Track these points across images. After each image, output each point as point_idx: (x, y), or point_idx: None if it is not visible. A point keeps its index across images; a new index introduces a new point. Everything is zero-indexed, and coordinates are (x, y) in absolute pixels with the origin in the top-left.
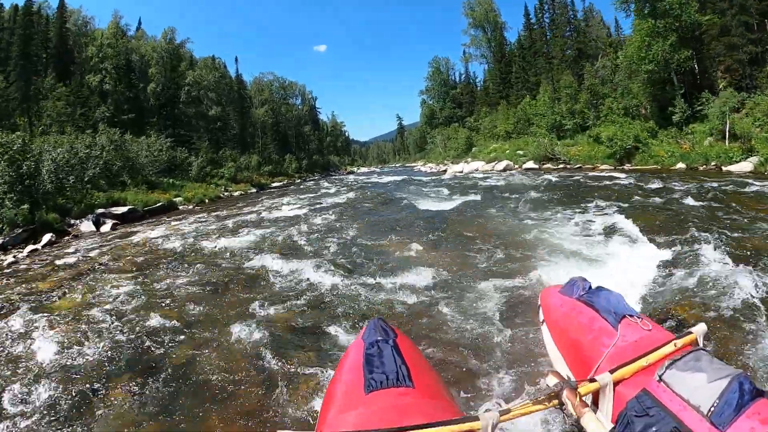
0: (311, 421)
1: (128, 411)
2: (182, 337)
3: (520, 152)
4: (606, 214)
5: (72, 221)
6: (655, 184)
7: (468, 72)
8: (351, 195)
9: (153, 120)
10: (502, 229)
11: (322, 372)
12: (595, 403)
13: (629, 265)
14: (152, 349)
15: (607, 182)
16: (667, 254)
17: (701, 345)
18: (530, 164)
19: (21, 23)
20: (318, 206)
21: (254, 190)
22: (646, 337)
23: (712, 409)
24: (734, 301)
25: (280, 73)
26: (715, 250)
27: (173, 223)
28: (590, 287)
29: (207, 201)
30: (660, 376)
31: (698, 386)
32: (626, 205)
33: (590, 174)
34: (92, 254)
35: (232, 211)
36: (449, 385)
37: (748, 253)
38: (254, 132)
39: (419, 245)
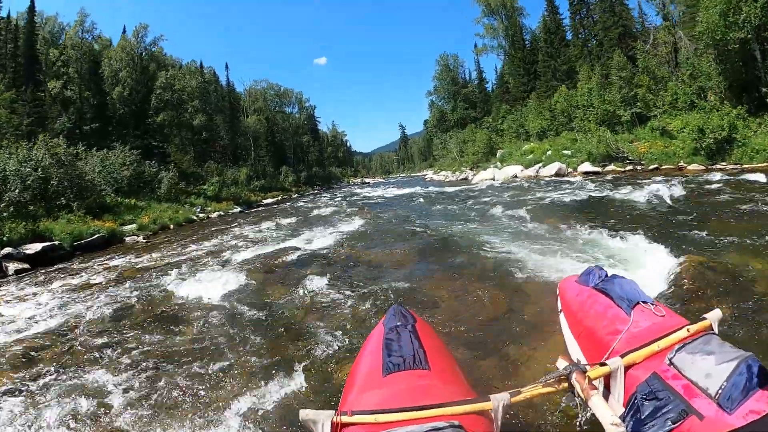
0: (334, 403)
1: None
2: None
3: (567, 152)
4: None
5: None
6: None
7: (479, 67)
8: (356, 225)
9: (125, 131)
10: None
11: (345, 356)
12: (607, 388)
13: None
14: None
15: None
16: None
17: (716, 331)
18: (587, 166)
19: None
20: (299, 256)
21: (238, 210)
22: (659, 323)
23: (720, 391)
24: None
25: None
26: None
27: (54, 284)
28: (606, 275)
29: (171, 227)
30: (670, 360)
31: (707, 369)
32: None
33: (699, 178)
34: None
35: (175, 253)
36: (465, 369)
37: None
38: (246, 143)
39: None
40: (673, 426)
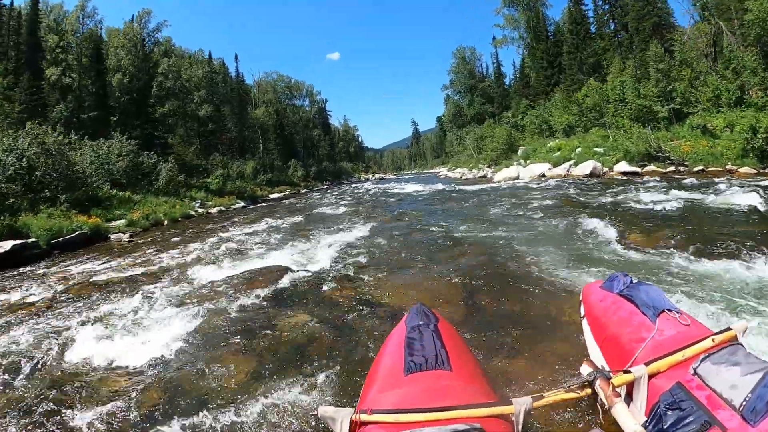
0: (353, 400)
1: None
2: None
3: (599, 150)
4: None
5: None
6: None
7: (498, 60)
8: (368, 233)
9: (126, 120)
10: None
11: (366, 354)
12: (630, 396)
13: None
14: None
15: None
16: None
17: (741, 342)
18: (623, 166)
19: None
20: (287, 284)
21: (241, 205)
22: (684, 331)
23: (744, 403)
24: None
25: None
26: None
27: None
28: (631, 282)
29: (165, 223)
30: (694, 370)
31: (731, 380)
32: None
33: None
34: None
35: (148, 260)
36: (486, 371)
37: None
38: (254, 135)
39: None
40: None
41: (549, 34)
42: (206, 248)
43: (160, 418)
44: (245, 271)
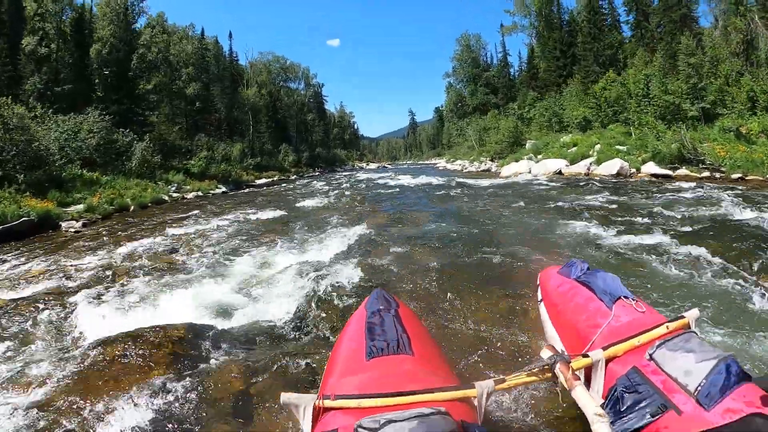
0: (315, 385)
1: None
2: None
3: (621, 148)
4: None
5: None
6: None
7: (505, 49)
8: (351, 241)
9: (104, 95)
10: None
11: (325, 339)
12: (587, 380)
13: None
14: None
15: None
16: None
17: (694, 329)
18: (652, 167)
19: None
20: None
21: (221, 190)
22: (639, 318)
23: (699, 388)
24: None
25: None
26: None
27: None
28: (588, 269)
29: (132, 208)
30: (650, 355)
31: (686, 366)
32: None
33: None
34: None
35: (61, 267)
36: (448, 355)
37: None
38: (244, 117)
39: None
40: (651, 419)
41: (563, 22)
42: (137, 257)
43: None
44: (133, 332)
